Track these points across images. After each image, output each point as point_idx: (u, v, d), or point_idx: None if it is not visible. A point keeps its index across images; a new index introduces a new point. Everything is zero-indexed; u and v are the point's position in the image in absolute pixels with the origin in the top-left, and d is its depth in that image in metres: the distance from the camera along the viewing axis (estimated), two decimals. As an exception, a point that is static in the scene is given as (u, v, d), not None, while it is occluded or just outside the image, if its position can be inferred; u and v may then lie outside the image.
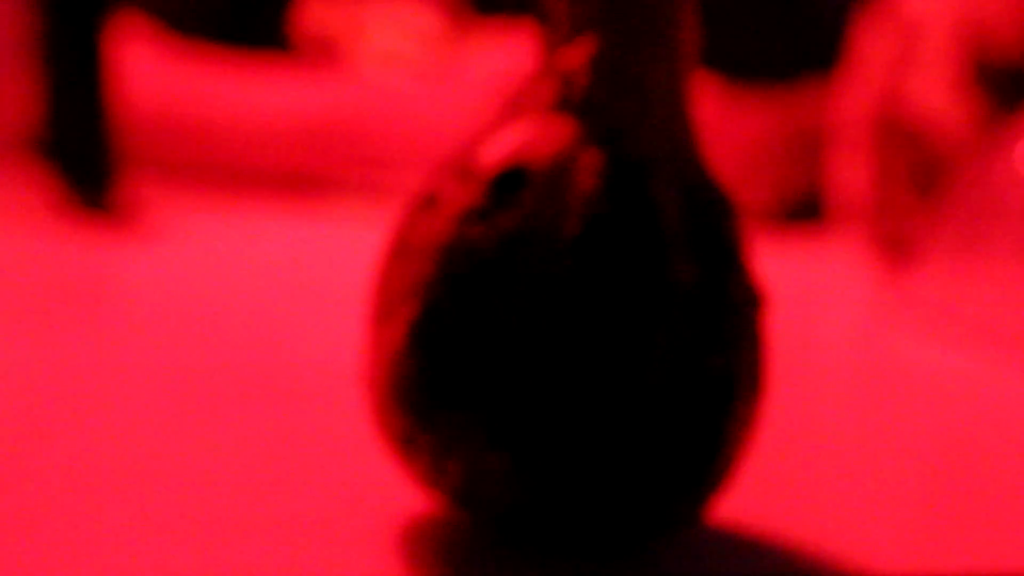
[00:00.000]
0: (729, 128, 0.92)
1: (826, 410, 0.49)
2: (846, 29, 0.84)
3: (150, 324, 0.57)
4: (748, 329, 0.30)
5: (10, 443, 0.38)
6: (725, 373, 0.29)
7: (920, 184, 0.78)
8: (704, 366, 0.29)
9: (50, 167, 0.81)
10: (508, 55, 1.10)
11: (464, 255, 0.29)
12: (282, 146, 0.98)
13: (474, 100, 0.98)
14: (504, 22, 1.10)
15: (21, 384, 0.45)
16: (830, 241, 0.84)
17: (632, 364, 0.28)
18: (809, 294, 0.78)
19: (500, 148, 0.30)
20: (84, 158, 0.82)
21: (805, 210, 0.90)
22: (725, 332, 0.29)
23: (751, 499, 0.37)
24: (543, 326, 0.28)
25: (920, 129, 0.79)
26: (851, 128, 0.81)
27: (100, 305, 0.62)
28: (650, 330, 0.28)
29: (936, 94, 0.78)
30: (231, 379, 0.47)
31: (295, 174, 0.98)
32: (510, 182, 0.29)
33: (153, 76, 0.97)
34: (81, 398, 0.44)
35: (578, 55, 0.30)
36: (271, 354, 0.51)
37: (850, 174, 0.81)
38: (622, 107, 0.30)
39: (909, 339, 0.61)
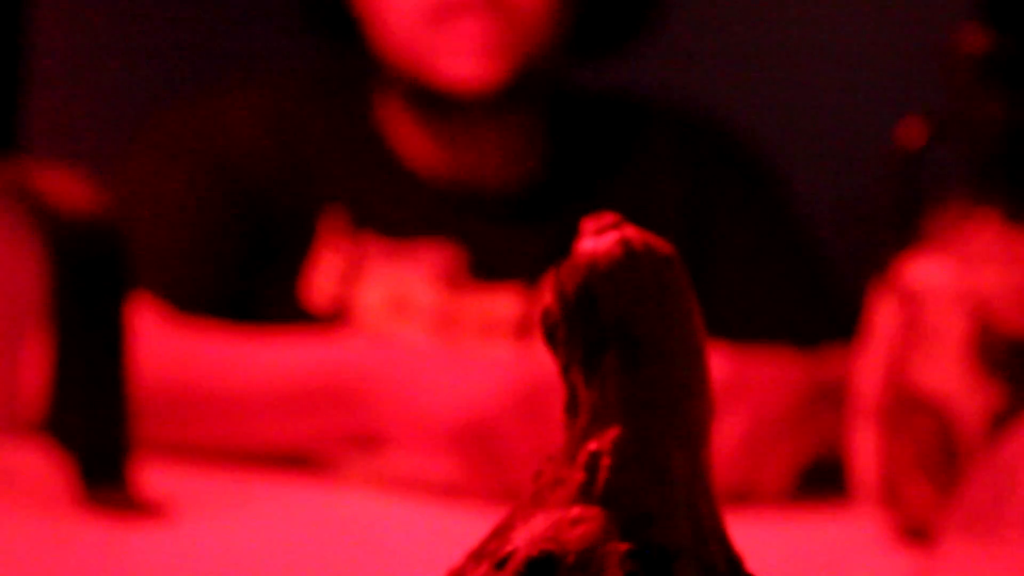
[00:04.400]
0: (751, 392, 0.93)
1: None
2: (863, 300, 0.86)
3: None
4: None
5: None
6: None
7: (933, 463, 0.79)
8: None
9: (61, 451, 0.81)
10: (502, 315, 1.11)
11: (497, 644, 0.30)
12: (290, 415, 0.98)
13: (479, 364, 0.97)
14: (499, 287, 1.11)
15: None
16: (849, 517, 0.85)
17: None
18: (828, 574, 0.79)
19: (529, 536, 0.31)
20: (96, 443, 0.82)
21: (826, 478, 0.91)
22: None
23: None
24: None
25: (931, 406, 0.80)
26: (864, 402, 0.83)
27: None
28: None
29: (944, 371, 0.80)
30: None
31: (303, 447, 0.99)
32: (540, 570, 0.31)
33: (159, 351, 0.98)
34: None
35: (602, 445, 0.32)
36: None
37: (864, 449, 0.82)
38: (646, 496, 0.31)
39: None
